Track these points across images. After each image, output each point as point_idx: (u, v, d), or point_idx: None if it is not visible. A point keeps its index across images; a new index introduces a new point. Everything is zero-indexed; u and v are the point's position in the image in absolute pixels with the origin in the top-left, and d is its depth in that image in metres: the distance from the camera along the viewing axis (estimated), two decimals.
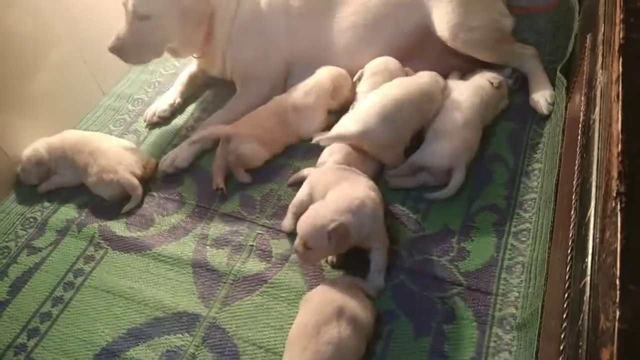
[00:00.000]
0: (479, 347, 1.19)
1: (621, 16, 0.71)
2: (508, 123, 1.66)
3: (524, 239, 1.37)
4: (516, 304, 1.24)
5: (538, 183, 1.48)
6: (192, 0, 1.71)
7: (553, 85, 1.66)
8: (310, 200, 1.41)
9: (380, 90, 1.57)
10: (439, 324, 1.24)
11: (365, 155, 1.53)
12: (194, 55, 1.93)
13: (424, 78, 1.63)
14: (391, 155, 1.54)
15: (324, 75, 1.73)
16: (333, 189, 1.35)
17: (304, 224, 1.27)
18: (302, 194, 1.47)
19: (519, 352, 1.15)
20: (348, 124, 1.52)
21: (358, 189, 1.33)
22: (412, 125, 1.55)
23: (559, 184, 1.31)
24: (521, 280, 1.28)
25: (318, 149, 1.60)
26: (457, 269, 1.34)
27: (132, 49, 1.71)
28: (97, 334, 1.36)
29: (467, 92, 1.61)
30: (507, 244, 1.37)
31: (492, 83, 1.64)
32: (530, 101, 1.66)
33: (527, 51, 1.74)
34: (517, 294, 1.26)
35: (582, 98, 1.07)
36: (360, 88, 1.70)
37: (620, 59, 0.66)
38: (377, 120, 1.48)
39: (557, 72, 1.62)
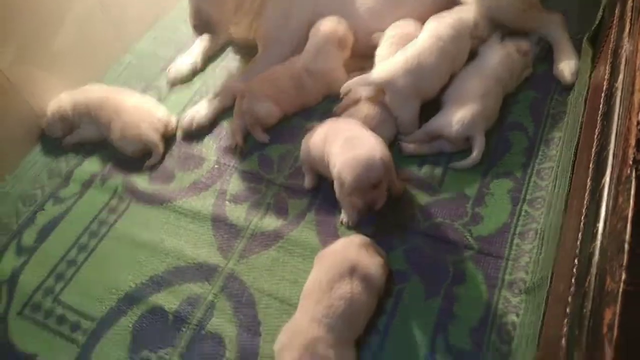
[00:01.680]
0: (487, 308, 1.22)
1: None
2: (530, 91, 1.64)
3: (538, 206, 1.38)
4: (527, 268, 1.26)
5: (557, 152, 1.48)
6: None
7: (579, 54, 1.63)
8: (322, 145, 1.42)
9: (411, 42, 1.58)
10: (449, 286, 1.27)
11: (382, 118, 1.54)
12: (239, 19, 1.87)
13: (449, 20, 1.61)
14: (408, 111, 1.53)
15: (323, 33, 1.71)
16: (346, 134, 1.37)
17: (358, 164, 1.27)
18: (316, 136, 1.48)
19: (526, 315, 1.18)
20: (375, 71, 1.55)
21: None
22: (437, 77, 1.56)
23: (577, 152, 1.31)
24: (533, 246, 1.30)
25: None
26: (470, 234, 1.36)
27: (216, 18, 1.66)
28: (121, 280, 1.42)
29: (492, 58, 1.59)
30: (522, 210, 1.39)
31: (519, 50, 1.62)
32: (554, 70, 1.63)
33: (554, 18, 1.70)
34: (528, 259, 1.28)
35: (607, 67, 1.06)
36: (379, 51, 1.69)
37: None
38: (403, 68, 1.51)
39: (584, 41, 1.58)
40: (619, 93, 0.72)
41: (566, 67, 1.61)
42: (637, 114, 0.58)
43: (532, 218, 1.36)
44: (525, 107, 1.61)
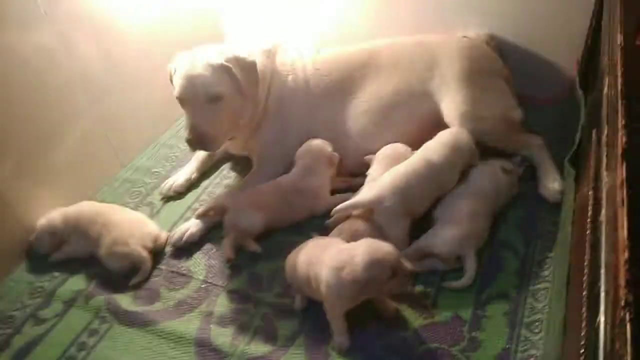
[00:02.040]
0: None
1: (623, 122, 0.74)
2: (518, 210, 1.67)
3: (536, 330, 1.33)
4: None
5: (550, 272, 1.46)
6: (240, 67, 1.76)
7: (562, 173, 1.67)
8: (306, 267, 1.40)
9: (400, 165, 1.64)
10: None
11: (373, 234, 1.53)
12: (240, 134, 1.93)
13: (442, 150, 1.65)
14: (399, 229, 1.53)
15: (313, 151, 1.79)
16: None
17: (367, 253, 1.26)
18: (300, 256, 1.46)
19: None
20: (363, 192, 1.59)
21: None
22: (426, 197, 1.59)
23: (570, 274, 1.30)
24: None
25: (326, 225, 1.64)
26: None
27: (214, 134, 1.72)
28: None
29: (480, 180, 1.64)
30: (520, 335, 1.33)
31: (504, 170, 1.67)
32: (540, 189, 1.68)
33: (534, 141, 1.78)
34: None
35: (590, 192, 1.08)
36: (371, 171, 1.74)
37: (624, 165, 0.68)
38: (390, 189, 1.54)
39: (565, 162, 1.64)
40: (604, 228, 0.72)
41: (551, 186, 1.65)
42: (623, 252, 0.58)
43: (531, 343, 1.31)
44: (514, 227, 1.62)
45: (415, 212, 1.59)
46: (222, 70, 1.73)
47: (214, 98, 1.71)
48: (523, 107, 1.87)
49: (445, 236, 1.47)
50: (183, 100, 1.74)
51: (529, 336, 1.33)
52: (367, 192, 1.58)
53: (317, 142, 1.82)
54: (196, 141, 1.71)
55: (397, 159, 1.70)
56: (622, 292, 0.55)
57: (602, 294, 0.64)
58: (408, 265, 1.33)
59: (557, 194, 1.63)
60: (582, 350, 0.82)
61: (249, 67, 1.79)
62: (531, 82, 2.12)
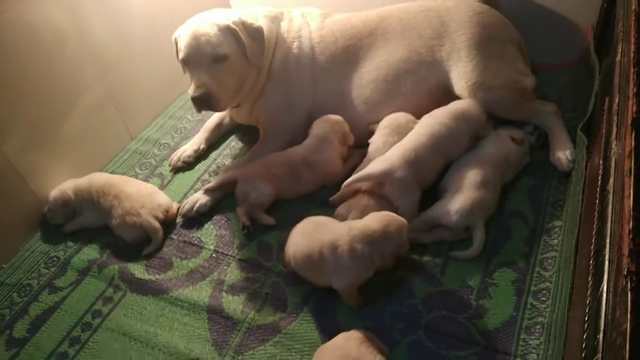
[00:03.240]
0: None
1: (634, 89, 0.72)
2: (528, 179, 1.66)
3: (543, 298, 1.34)
4: None
5: (558, 241, 1.46)
6: (247, 31, 1.76)
7: (574, 142, 1.65)
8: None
9: (407, 136, 1.63)
10: None
11: (382, 209, 1.54)
12: (232, 105, 1.94)
13: (444, 120, 1.64)
14: (409, 200, 1.54)
15: (327, 129, 1.77)
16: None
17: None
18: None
19: None
20: (373, 165, 1.58)
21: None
22: (435, 166, 1.59)
23: (579, 243, 1.30)
24: (540, 342, 1.25)
25: None
26: (475, 328, 1.31)
27: (219, 93, 1.73)
28: None
29: (488, 147, 1.62)
30: (527, 303, 1.35)
31: (514, 139, 1.65)
32: (551, 158, 1.66)
33: (548, 108, 1.75)
34: (536, 356, 1.22)
35: (601, 161, 1.07)
36: (374, 139, 1.74)
37: (633, 134, 0.67)
38: (400, 160, 1.54)
39: (578, 130, 1.62)
40: (611, 197, 0.71)
41: (562, 155, 1.63)
42: (628, 222, 0.58)
43: (537, 311, 1.32)
44: (524, 195, 1.61)
45: (426, 182, 1.58)
46: (229, 31, 1.72)
47: (219, 57, 1.70)
48: (537, 73, 1.83)
49: (453, 207, 1.47)
50: (189, 60, 1.73)
51: (536, 304, 1.34)
52: (378, 164, 1.57)
53: (336, 118, 1.80)
54: (201, 99, 1.71)
55: (399, 128, 1.70)
56: (625, 261, 0.55)
57: (606, 263, 0.64)
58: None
59: (569, 163, 1.61)
60: (586, 318, 0.82)
61: (255, 33, 1.78)
62: (546, 47, 2.08)
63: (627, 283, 0.54)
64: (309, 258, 1.37)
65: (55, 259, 1.75)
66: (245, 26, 1.76)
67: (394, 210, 1.50)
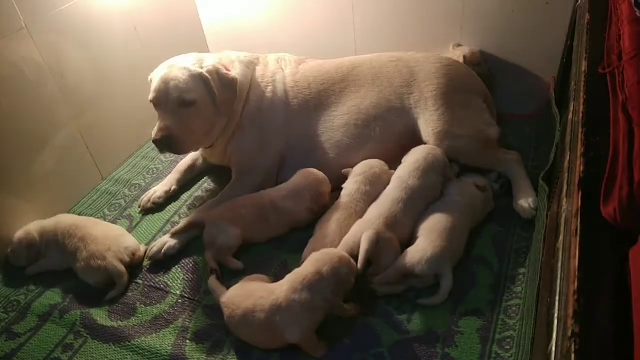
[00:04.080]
0: None
1: (582, 150, 0.75)
2: (493, 225, 1.69)
3: (507, 347, 1.35)
4: None
5: (522, 289, 1.48)
6: (219, 81, 1.79)
7: (536, 191, 1.70)
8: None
9: (384, 199, 1.65)
10: None
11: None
12: (205, 145, 1.96)
13: (413, 176, 1.67)
14: (392, 256, 1.53)
15: (304, 183, 1.78)
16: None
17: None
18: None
19: None
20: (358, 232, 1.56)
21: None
22: (416, 218, 1.62)
23: (540, 291, 1.31)
24: None
25: (306, 242, 1.64)
26: None
27: (183, 137, 1.74)
28: None
29: (455, 196, 1.66)
30: (492, 352, 1.35)
31: (478, 186, 1.69)
32: (515, 205, 1.70)
33: (511, 157, 1.81)
34: None
35: (557, 212, 1.10)
36: (347, 185, 1.76)
37: (580, 193, 0.70)
38: (384, 224, 1.55)
39: (540, 179, 1.67)
40: (560, 255, 0.74)
41: (525, 203, 1.67)
42: (573, 282, 0.60)
43: None
44: (489, 242, 1.64)
45: (406, 237, 1.60)
46: (200, 78, 1.75)
47: (186, 102, 1.73)
48: (502, 122, 1.90)
49: (424, 257, 1.48)
50: (157, 102, 1.75)
51: (501, 353, 1.34)
52: (358, 232, 1.56)
53: (317, 177, 1.79)
54: (163, 143, 1.73)
55: (373, 178, 1.73)
56: (570, 322, 0.57)
57: (555, 322, 0.66)
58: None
59: (531, 211, 1.65)
60: None
61: (229, 84, 1.81)
62: (510, 98, 2.17)
63: (571, 345, 0.55)
64: (248, 320, 1.36)
65: (15, 303, 1.69)
66: (220, 75, 1.79)
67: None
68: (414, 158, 1.71)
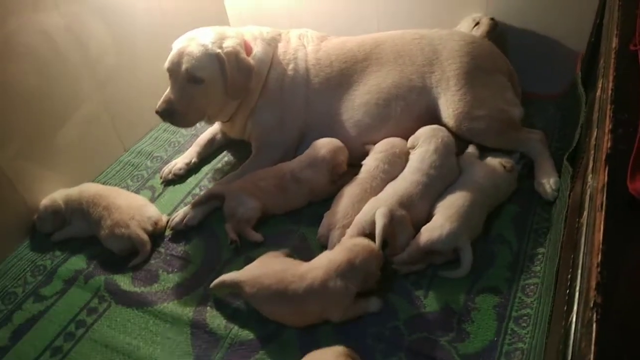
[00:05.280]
0: None
1: (610, 126, 0.75)
2: (513, 206, 1.68)
3: (524, 324, 1.36)
4: None
5: (541, 268, 1.48)
6: (237, 66, 1.78)
7: (559, 171, 1.69)
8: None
9: (402, 181, 1.65)
10: None
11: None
12: (222, 120, 2.00)
13: (432, 157, 1.67)
14: (406, 237, 1.54)
15: (321, 152, 1.78)
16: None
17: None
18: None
19: None
20: (371, 211, 1.56)
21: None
22: (432, 199, 1.62)
23: (559, 271, 1.32)
24: None
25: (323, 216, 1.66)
26: (456, 351, 1.32)
27: (183, 111, 1.75)
28: None
29: (478, 174, 1.65)
30: (508, 328, 1.36)
31: (504, 166, 1.68)
32: (536, 186, 1.69)
33: (534, 136, 1.79)
34: None
35: (581, 191, 1.10)
36: (367, 161, 1.77)
37: (607, 169, 0.70)
38: (398, 202, 1.56)
39: (564, 160, 1.65)
40: (584, 230, 0.74)
41: (547, 183, 1.66)
42: (597, 255, 0.60)
43: (518, 337, 1.33)
44: (509, 222, 1.64)
45: (422, 219, 1.59)
46: (215, 59, 1.74)
47: (194, 79, 1.73)
48: (526, 103, 1.87)
49: (443, 231, 1.48)
50: (169, 71, 1.77)
51: (517, 330, 1.35)
52: (369, 210, 1.57)
53: (335, 146, 1.80)
54: (163, 114, 1.75)
55: (393, 157, 1.73)
56: (592, 293, 0.57)
57: (576, 294, 0.66)
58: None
59: (553, 192, 1.64)
60: (560, 347, 0.84)
61: (245, 70, 1.80)
62: (536, 78, 2.13)
63: (592, 315, 0.56)
64: (280, 301, 1.40)
65: (42, 267, 1.75)
66: (238, 60, 1.78)
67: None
68: (430, 145, 1.69)
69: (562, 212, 1.45)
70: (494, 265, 1.52)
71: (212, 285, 1.51)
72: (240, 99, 1.88)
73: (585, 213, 0.77)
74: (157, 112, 1.75)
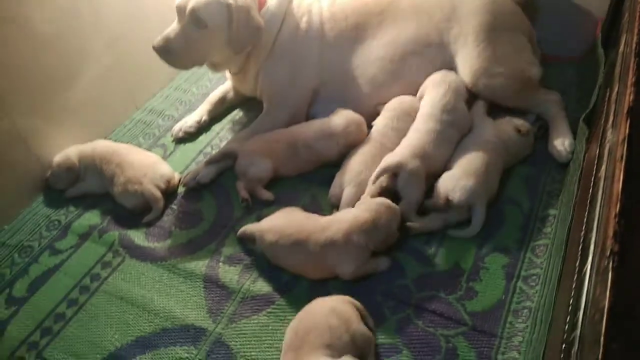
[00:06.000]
0: None
1: (633, 79, 0.73)
2: (526, 167, 1.67)
3: (533, 284, 1.37)
4: (519, 348, 1.23)
5: (552, 229, 1.48)
6: (245, 21, 1.74)
7: (574, 134, 1.66)
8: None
9: (414, 131, 1.64)
10: None
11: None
12: (231, 71, 1.98)
13: (441, 102, 1.66)
14: (417, 193, 1.54)
15: (341, 126, 1.75)
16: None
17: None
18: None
19: None
20: (387, 158, 1.58)
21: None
22: (447, 149, 1.62)
23: (570, 231, 1.32)
24: (526, 325, 1.28)
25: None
26: (463, 308, 1.34)
27: (179, 52, 1.72)
28: (107, 339, 1.40)
29: (493, 134, 1.63)
30: (516, 287, 1.37)
31: (519, 131, 1.65)
32: (550, 147, 1.67)
33: (551, 97, 1.76)
34: (521, 338, 1.25)
35: (597, 150, 1.09)
36: (377, 122, 1.76)
37: (628, 121, 0.69)
38: (411, 154, 1.55)
39: (580, 121, 1.63)
40: (601, 183, 0.73)
41: (561, 145, 1.64)
42: (616, 205, 0.60)
43: (526, 296, 1.35)
44: (521, 183, 1.63)
45: (437, 170, 1.58)
46: (225, 8, 1.70)
47: (197, 22, 1.69)
48: (544, 65, 1.83)
49: (459, 183, 1.48)
50: (177, 9, 1.72)
51: (525, 289, 1.36)
52: (392, 156, 1.57)
53: (355, 120, 1.77)
54: (159, 51, 1.72)
55: (402, 114, 1.71)
56: (609, 242, 0.57)
57: (592, 246, 0.66)
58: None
59: (567, 154, 1.62)
60: (570, 301, 0.85)
61: (253, 28, 1.76)
62: (555, 39, 2.08)
63: (609, 263, 0.56)
64: (299, 250, 1.42)
65: (56, 222, 1.78)
66: (248, 17, 1.73)
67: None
68: (440, 89, 1.67)
69: (576, 174, 1.44)
70: (505, 226, 1.52)
71: (237, 234, 1.56)
72: (243, 53, 1.85)
73: (604, 166, 0.77)
74: (153, 47, 1.72)
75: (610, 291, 0.54)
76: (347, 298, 1.31)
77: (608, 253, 0.57)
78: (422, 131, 1.62)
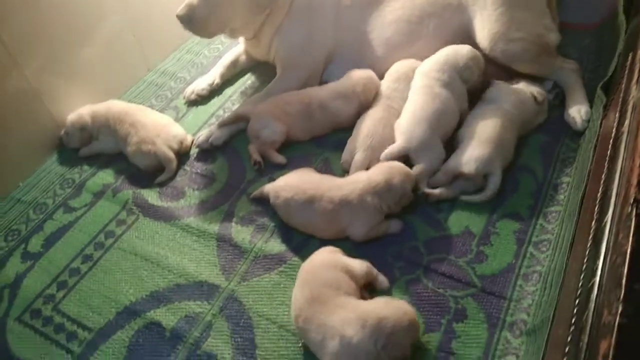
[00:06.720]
0: (487, 348, 1.20)
1: None
2: (541, 135, 1.66)
3: (544, 249, 1.38)
4: (528, 310, 1.25)
5: (564, 196, 1.48)
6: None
7: (590, 102, 1.65)
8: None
9: (414, 102, 1.62)
10: (449, 321, 1.26)
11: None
12: (246, 36, 1.96)
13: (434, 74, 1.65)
14: (433, 159, 1.55)
15: (353, 81, 1.75)
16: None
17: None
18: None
19: (526, 357, 1.16)
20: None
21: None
22: (452, 115, 1.62)
23: (584, 199, 1.32)
24: (536, 289, 1.29)
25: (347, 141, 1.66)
26: (473, 271, 1.36)
27: (202, 20, 1.69)
28: (122, 293, 1.43)
29: (508, 101, 1.62)
30: (527, 252, 1.38)
31: (535, 98, 1.64)
32: (566, 115, 1.65)
33: (569, 65, 1.73)
34: (531, 301, 1.27)
35: (617, 114, 1.08)
36: (382, 86, 1.75)
37: None
38: (418, 130, 1.55)
39: (598, 89, 1.61)
40: (624, 137, 0.73)
41: (577, 113, 1.62)
42: (639, 156, 0.60)
43: (537, 260, 1.36)
44: (535, 151, 1.62)
45: (446, 134, 1.59)
46: None
47: None
48: (562, 33, 1.80)
49: (473, 155, 1.48)
50: None
51: (536, 254, 1.37)
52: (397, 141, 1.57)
53: (369, 79, 1.76)
54: (184, 19, 1.69)
55: (406, 76, 1.70)
56: (633, 190, 0.57)
57: (613, 197, 0.66)
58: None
59: (583, 122, 1.60)
60: (585, 260, 0.86)
61: None
62: (573, 6, 2.03)
63: (632, 210, 0.57)
64: (313, 207, 1.43)
65: (70, 180, 1.80)
66: None
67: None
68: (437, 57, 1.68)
69: (592, 141, 1.43)
70: (517, 192, 1.52)
71: (252, 195, 1.58)
72: (262, 16, 1.83)
73: (627, 122, 0.76)
74: (177, 15, 1.69)
75: (633, 235, 0.54)
76: (331, 248, 1.35)
77: (631, 201, 0.57)
78: (420, 98, 1.61)
